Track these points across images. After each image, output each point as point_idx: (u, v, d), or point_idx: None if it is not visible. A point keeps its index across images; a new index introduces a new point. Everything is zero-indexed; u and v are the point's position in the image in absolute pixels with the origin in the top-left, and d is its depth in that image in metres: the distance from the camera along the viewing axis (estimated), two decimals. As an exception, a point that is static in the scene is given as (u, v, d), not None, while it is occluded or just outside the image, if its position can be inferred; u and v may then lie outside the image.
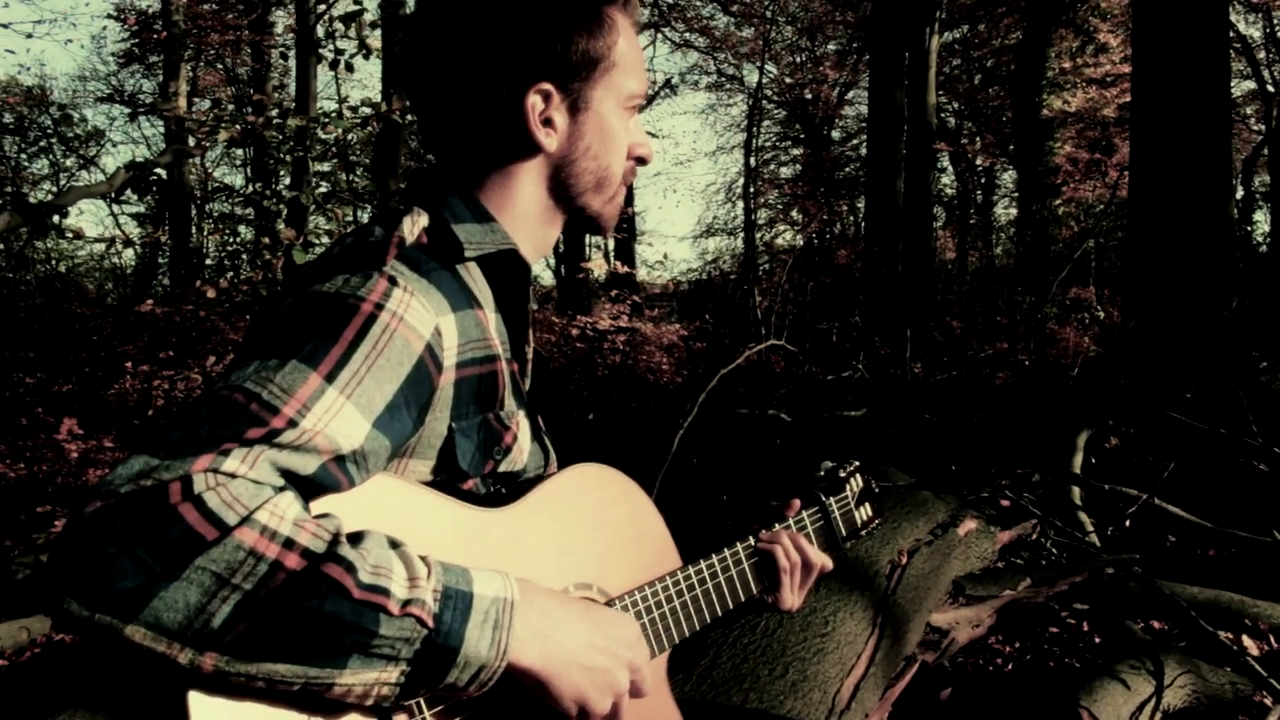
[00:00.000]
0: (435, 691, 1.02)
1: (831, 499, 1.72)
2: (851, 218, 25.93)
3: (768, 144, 26.76)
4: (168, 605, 0.86)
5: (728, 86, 26.44)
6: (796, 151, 27.29)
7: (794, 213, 26.03)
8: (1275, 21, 19.10)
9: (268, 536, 0.91)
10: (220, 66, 22.77)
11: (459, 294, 1.22)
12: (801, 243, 22.62)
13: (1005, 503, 4.34)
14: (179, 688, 0.92)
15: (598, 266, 14.22)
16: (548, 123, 1.30)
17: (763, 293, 12.84)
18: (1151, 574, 3.77)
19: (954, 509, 3.33)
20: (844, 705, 2.20)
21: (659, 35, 22.72)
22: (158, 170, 4.78)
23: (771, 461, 6.32)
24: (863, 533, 1.79)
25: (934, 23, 14.89)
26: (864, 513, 1.80)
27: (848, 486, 1.77)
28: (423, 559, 1.02)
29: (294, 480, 0.99)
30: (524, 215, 1.35)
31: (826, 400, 8.16)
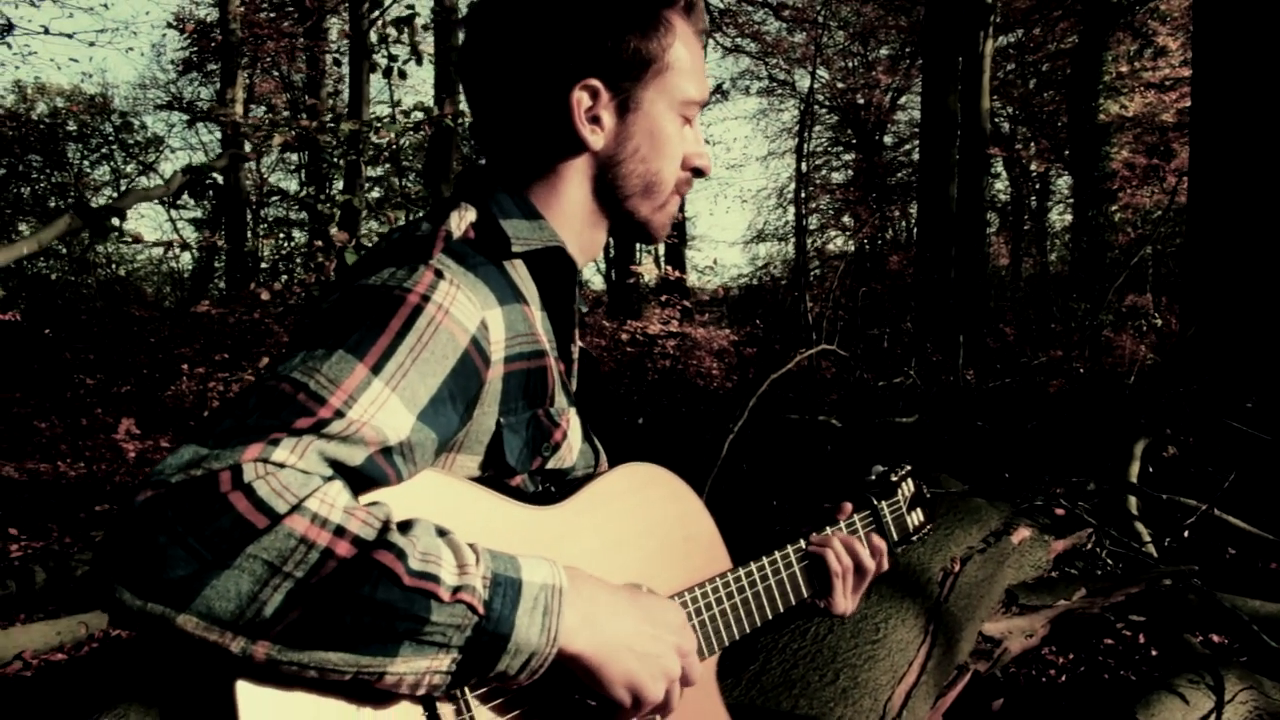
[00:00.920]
0: (486, 681, 1.02)
1: (883, 502, 1.70)
2: (903, 223, 25.74)
3: (819, 149, 26.64)
4: (220, 594, 0.86)
5: (779, 92, 26.40)
6: (848, 157, 27.15)
7: (845, 218, 25.88)
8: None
9: (318, 524, 0.91)
10: (276, 74, 23.12)
11: (505, 289, 1.21)
12: (853, 248, 22.49)
13: (1060, 511, 4.28)
14: (227, 679, 0.92)
15: (648, 271, 14.22)
16: (595, 120, 1.29)
17: (814, 298, 12.79)
18: (1211, 586, 3.69)
19: (1007, 517, 3.28)
20: (895, 713, 2.17)
21: (710, 40, 22.68)
22: (214, 174, 4.84)
23: (822, 468, 6.27)
24: (914, 537, 1.77)
25: (988, 27, 14.72)
26: (916, 517, 1.78)
27: (899, 491, 1.75)
28: (471, 546, 1.01)
29: (342, 471, 0.99)
30: (570, 215, 1.34)
31: (878, 406, 8.09)
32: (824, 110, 25.85)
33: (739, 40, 23.22)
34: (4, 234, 18.06)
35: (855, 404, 8.45)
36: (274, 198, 21.49)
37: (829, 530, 1.60)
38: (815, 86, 23.23)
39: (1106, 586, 3.41)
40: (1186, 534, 4.39)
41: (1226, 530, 4.42)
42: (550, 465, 1.28)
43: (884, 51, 25.12)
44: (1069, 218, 22.08)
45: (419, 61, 5.53)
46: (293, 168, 24.27)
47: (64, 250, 18.38)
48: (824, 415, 7.11)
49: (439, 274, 1.13)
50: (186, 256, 22.41)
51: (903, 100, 25.16)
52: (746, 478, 5.98)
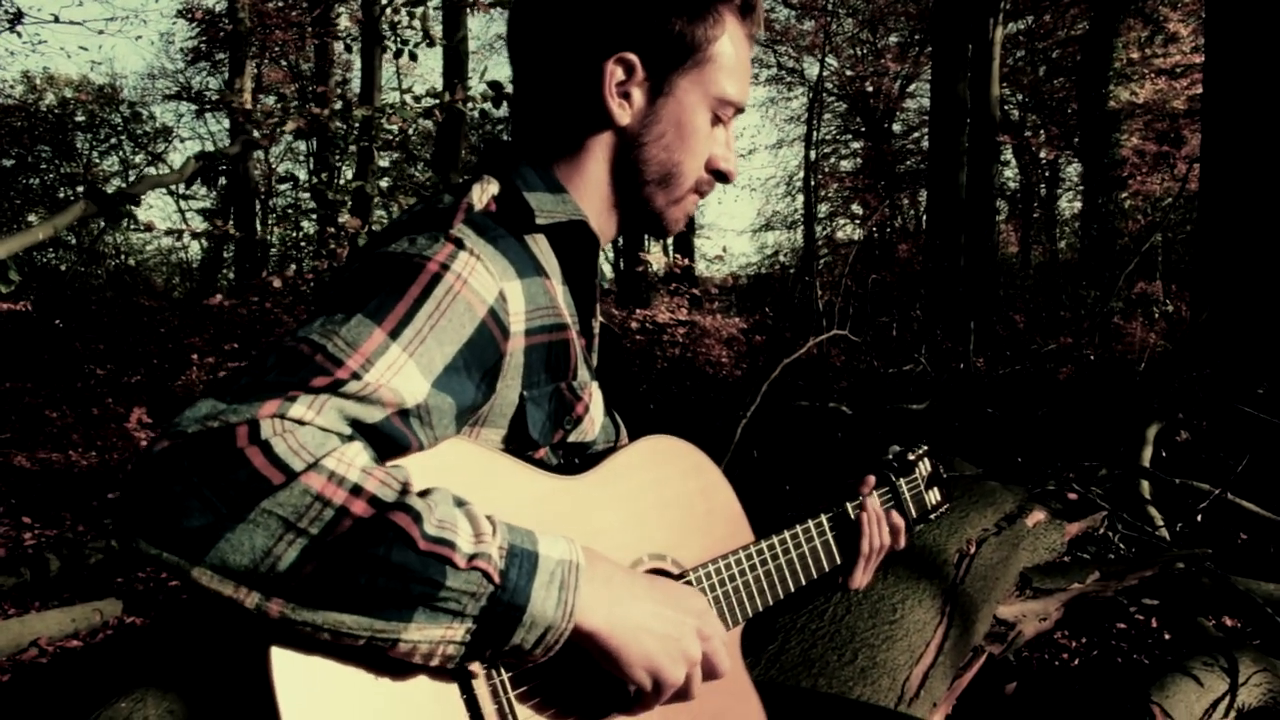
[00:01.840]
0: (501, 655, 1.01)
1: (901, 480, 1.71)
2: (912, 212, 25.67)
3: (828, 137, 26.57)
4: (234, 547, 0.87)
5: (788, 79, 26.32)
6: (857, 145, 27.05)
7: (854, 206, 25.83)
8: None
9: (335, 482, 0.90)
10: (284, 63, 23.10)
11: (526, 261, 1.21)
12: (862, 237, 22.43)
13: (1073, 496, 4.27)
14: (261, 645, 0.92)
15: (656, 260, 14.17)
16: (625, 96, 1.28)
17: (824, 286, 12.76)
18: (1224, 570, 3.68)
19: (1022, 500, 3.28)
20: (913, 693, 2.18)
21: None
22: (225, 161, 4.85)
23: (832, 454, 6.27)
24: (932, 516, 1.77)
25: (998, 13, 14.65)
26: (933, 496, 1.78)
27: (917, 469, 1.75)
28: (488, 518, 1.01)
29: (362, 431, 0.99)
30: (591, 194, 1.33)
31: (888, 393, 8.09)
32: (833, 98, 25.78)
33: (748, 28, 23.11)
34: (14, 224, 18.11)
35: (865, 391, 8.44)
36: (283, 186, 21.52)
37: (861, 499, 1.61)
38: (824, 74, 23.16)
39: (1120, 570, 3.41)
40: (1199, 518, 4.39)
41: (1239, 514, 4.42)
42: (572, 439, 1.27)
43: (893, 39, 25.04)
44: (1079, 205, 22.00)
45: (431, 44, 5.52)
46: (301, 158, 24.30)
47: (74, 241, 18.44)
48: (834, 402, 7.10)
49: (459, 244, 1.12)
50: (195, 246, 22.51)
51: (912, 88, 25.08)
52: (758, 464, 5.99)
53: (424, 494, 0.98)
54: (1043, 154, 22.49)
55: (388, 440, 1.01)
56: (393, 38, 5.63)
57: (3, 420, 9.92)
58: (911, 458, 1.76)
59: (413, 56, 5.63)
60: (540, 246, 1.27)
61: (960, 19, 14.56)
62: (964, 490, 3.11)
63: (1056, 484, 4.32)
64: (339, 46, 20.46)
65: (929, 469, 1.79)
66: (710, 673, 1.19)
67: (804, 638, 2.16)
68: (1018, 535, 3.07)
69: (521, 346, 1.18)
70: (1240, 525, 4.54)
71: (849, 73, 25.25)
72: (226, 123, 22.87)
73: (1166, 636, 3.70)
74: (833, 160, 27.15)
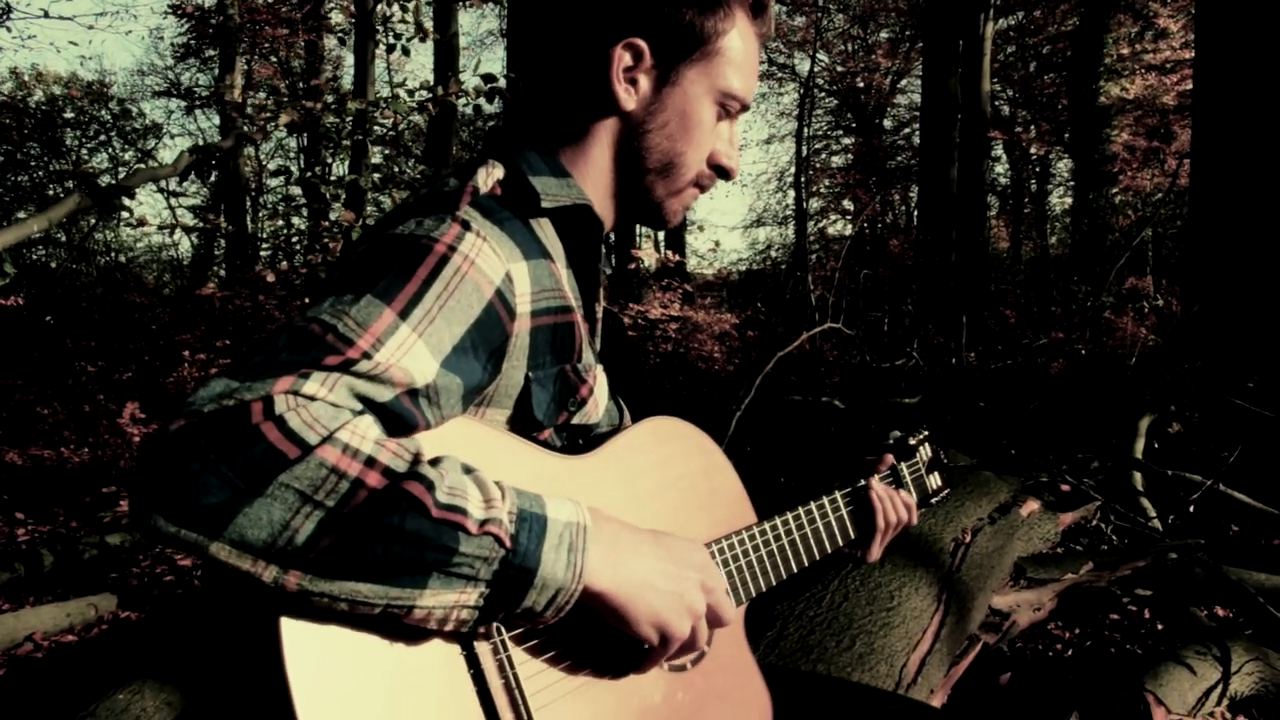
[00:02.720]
0: (513, 617, 1.02)
1: (903, 464, 1.72)
2: (903, 207, 25.73)
3: (819, 133, 26.57)
4: (252, 522, 0.87)
5: (779, 75, 26.32)
6: (848, 140, 27.09)
7: (846, 202, 25.85)
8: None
9: (349, 455, 0.91)
10: (274, 60, 23.04)
11: (531, 243, 1.21)
12: (853, 232, 22.45)
13: (1066, 487, 4.29)
14: (270, 616, 0.93)
15: (648, 255, 14.17)
16: (632, 82, 1.29)
17: (816, 281, 12.79)
18: (1217, 560, 3.70)
19: (1016, 490, 3.30)
20: (910, 679, 2.19)
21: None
22: (218, 154, 4.84)
23: (825, 448, 6.29)
24: (933, 500, 1.79)
25: (989, 9, 14.69)
26: (934, 481, 1.79)
27: (918, 454, 1.77)
28: (497, 483, 1.02)
29: (371, 408, 1.00)
30: (594, 180, 1.34)
31: (880, 388, 8.11)
32: (824, 94, 25.80)
33: (738, 23, 23.10)
34: (4, 221, 18.03)
35: (858, 386, 8.46)
36: (275, 182, 21.47)
37: (876, 477, 1.64)
38: (815, 70, 23.17)
39: (1113, 560, 3.43)
40: (1192, 509, 4.41)
41: (1231, 505, 4.44)
42: (576, 421, 1.28)
43: (884, 35, 25.07)
44: (1069, 200, 22.05)
45: (423, 38, 5.52)
46: (292, 154, 24.23)
47: (64, 238, 18.38)
48: (827, 397, 7.12)
49: (465, 225, 1.13)
50: (186, 244, 22.44)
51: (903, 83, 25.12)
52: (751, 458, 6.00)
53: (434, 462, 0.99)
54: (1033, 149, 22.51)
55: (397, 419, 1.02)
56: (385, 32, 5.64)
57: (-6, 418, 9.89)
58: (913, 442, 1.77)
59: (405, 51, 5.65)
60: (545, 230, 1.27)
61: (951, 15, 14.58)
62: (959, 480, 3.13)
63: (1049, 475, 4.34)
64: (330, 42, 20.41)
65: (929, 454, 1.80)
66: (715, 622, 1.20)
67: (802, 624, 2.17)
68: (1012, 525, 3.09)
69: (527, 328, 1.18)
70: (1232, 516, 4.56)
71: (840, 68, 25.29)
72: (217, 120, 22.80)
73: (1160, 627, 3.71)
74: (824, 156, 27.18)
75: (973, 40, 14.68)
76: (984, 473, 3.28)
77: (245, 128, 5.73)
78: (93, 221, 17.74)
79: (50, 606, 4.17)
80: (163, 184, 21.58)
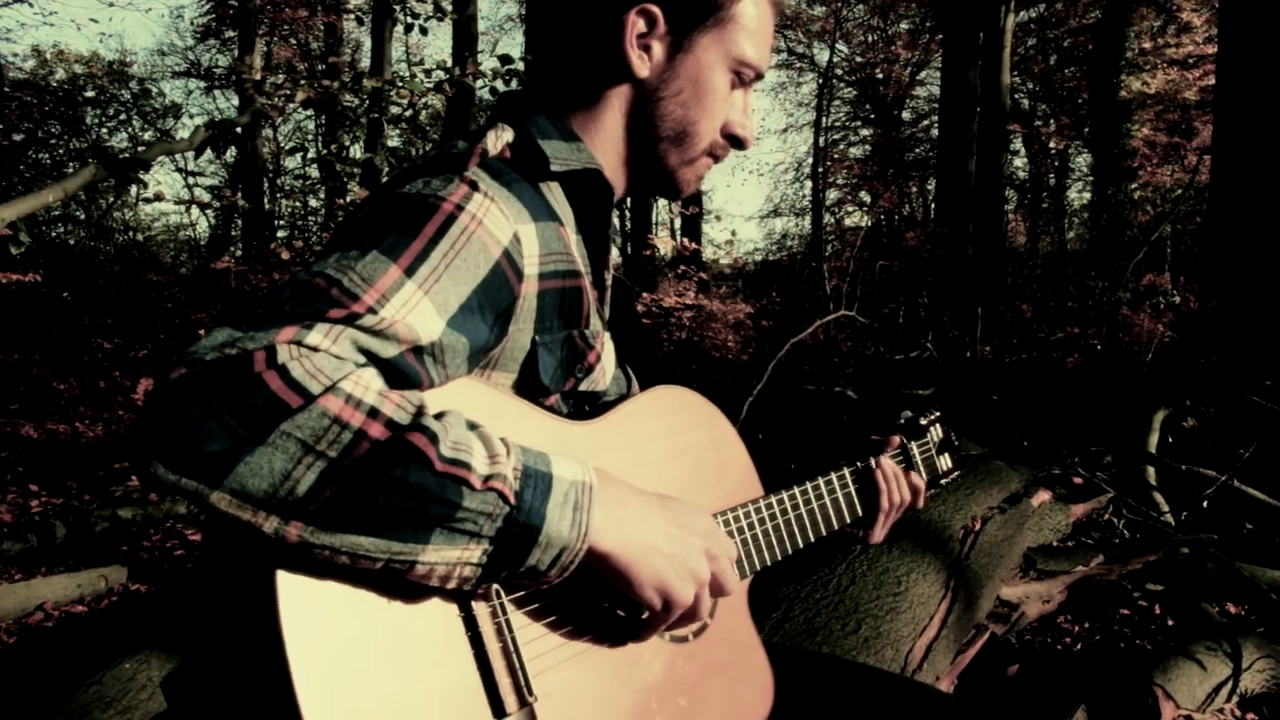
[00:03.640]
0: (516, 576, 1.01)
1: (913, 443, 1.70)
2: (920, 200, 25.64)
3: (837, 123, 26.51)
4: (253, 471, 0.86)
5: (798, 65, 26.24)
6: (866, 131, 27.00)
7: (863, 193, 25.77)
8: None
9: (352, 405, 0.90)
10: (294, 41, 23.07)
11: (540, 206, 1.20)
12: (869, 224, 22.40)
13: (1078, 480, 4.27)
14: (266, 569, 0.92)
15: (664, 244, 14.15)
16: (645, 49, 1.27)
17: (831, 272, 12.76)
18: (1229, 556, 3.68)
19: (1028, 480, 3.28)
20: (916, 665, 2.18)
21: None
22: (235, 130, 4.85)
23: (837, 438, 6.28)
24: (943, 481, 1.77)
25: (1010, 1, 14.60)
26: (945, 462, 1.78)
27: (929, 434, 1.75)
28: (502, 439, 1.01)
29: (375, 362, 0.99)
30: (605, 147, 1.33)
31: (894, 379, 8.09)
32: (843, 84, 25.72)
33: (758, 13, 23.01)
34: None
35: (872, 376, 8.44)
36: (293, 159, 21.53)
37: (883, 456, 1.62)
38: (834, 60, 23.10)
39: (1124, 554, 3.40)
40: (1205, 505, 4.38)
41: (1245, 502, 4.40)
42: (583, 387, 1.27)
43: (904, 26, 24.96)
44: (1088, 195, 21.95)
45: (441, 17, 5.51)
46: (310, 137, 24.29)
47: (83, 216, 18.46)
48: (840, 387, 7.10)
49: (474, 185, 1.12)
50: (203, 223, 22.53)
51: (922, 75, 25.02)
52: (763, 447, 5.99)
53: (439, 416, 0.98)
54: (1052, 143, 22.42)
55: (401, 376, 1.01)
56: (403, 11, 5.62)
57: (11, 391, 9.96)
58: (924, 422, 1.76)
59: (423, 31, 5.63)
60: (555, 194, 1.26)
61: (972, 6, 14.50)
62: (970, 468, 3.11)
63: (1062, 468, 4.32)
64: (349, 24, 20.43)
65: (941, 434, 1.79)
66: (718, 591, 1.19)
67: (808, 607, 2.16)
68: (1023, 515, 3.07)
69: (535, 290, 1.17)
70: (1246, 513, 4.53)
71: (859, 59, 25.19)
72: (235, 100, 22.85)
73: (1170, 622, 3.69)
74: (842, 147, 27.11)
75: (993, 33, 14.60)
76: (996, 462, 3.26)
77: (262, 105, 5.73)
78: (111, 199, 17.81)
79: (61, 577, 4.19)
80: (181, 162, 21.66)
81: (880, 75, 24.94)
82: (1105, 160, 16.99)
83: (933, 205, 20.86)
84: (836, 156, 26.23)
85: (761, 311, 14.26)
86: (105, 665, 2.13)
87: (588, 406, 1.29)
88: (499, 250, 1.11)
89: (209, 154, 4.71)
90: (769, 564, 1.40)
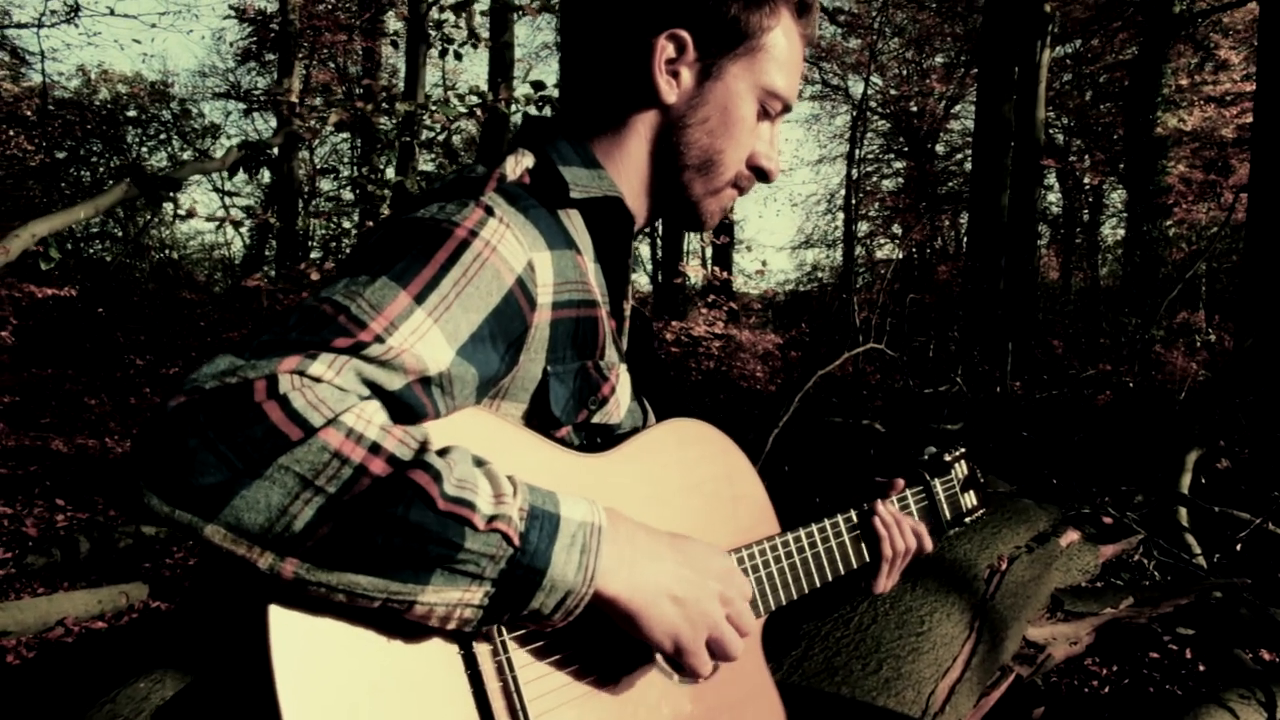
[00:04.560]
0: (519, 619, 0.98)
1: (936, 480, 1.67)
2: (952, 233, 25.52)
3: (871, 155, 26.46)
4: (249, 505, 0.84)
5: (833, 97, 26.25)
6: (899, 164, 26.95)
7: (895, 226, 25.70)
8: None
9: (353, 439, 0.88)
10: (333, 65, 23.33)
11: (557, 234, 1.18)
12: (901, 256, 22.31)
13: (1108, 520, 4.21)
14: (259, 604, 0.89)
15: (694, 272, 14.16)
16: (674, 75, 1.26)
17: (861, 304, 12.72)
18: (1263, 601, 3.61)
19: (1056, 519, 3.23)
20: (938, 707, 2.13)
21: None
22: (270, 151, 4.89)
23: (864, 471, 6.22)
24: (967, 519, 1.73)
25: (1045, 36, 14.55)
26: (969, 499, 1.74)
27: (953, 471, 1.72)
28: (509, 478, 0.98)
29: (380, 395, 0.97)
30: (629, 173, 1.31)
31: (922, 413, 8.03)
32: (877, 117, 25.69)
33: (793, 44, 23.09)
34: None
35: (900, 410, 8.38)
36: (328, 177, 21.72)
37: (882, 503, 1.56)
38: (869, 92, 23.10)
39: (1155, 596, 3.34)
40: (1238, 547, 4.30)
41: (1280, 546, 4.33)
42: (596, 420, 1.24)
43: (939, 59, 24.94)
44: (1121, 232, 21.79)
45: (475, 45, 5.55)
46: (345, 158, 24.52)
47: (120, 233, 18.69)
48: (868, 420, 7.06)
49: (489, 211, 1.10)
50: (238, 242, 22.75)
51: (956, 109, 24.94)
52: (788, 479, 5.95)
53: (443, 452, 0.95)
54: (1087, 179, 22.29)
55: (406, 408, 0.99)
56: (438, 37, 5.66)
57: (43, 405, 10.07)
58: (948, 459, 1.72)
59: (457, 56, 5.67)
60: (574, 222, 1.24)
61: (1007, 41, 14.46)
62: (997, 506, 3.06)
63: (1092, 507, 4.26)
64: (387, 49, 20.65)
65: (966, 471, 1.75)
66: (733, 635, 1.15)
67: (828, 645, 2.13)
68: (1050, 555, 3.02)
69: (548, 319, 1.15)
70: (1281, 557, 4.45)
71: (893, 92, 25.18)
72: (274, 122, 23.13)
73: (1201, 667, 3.63)
74: (874, 179, 27.05)
75: (1028, 67, 14.54)
76: (1023, 500, 3.21)
77: (299, 127, 5.78)
78: (149, 217, 18.02)
79: (83, 592, 4.21)
80: (217, 181, 21.89)
81: (914, 108, 24.90)
82: (1140, 196, 16.86)
83: (965, 239, 20.77)
84: (869, 189, 26.19)
85: (790, 342, 14.22)
86: (121, 684, 2.12)
87: (600, 439, 1.26)
88: (512, 278, 1.09)
89: (243, 174, 4.75)
90: (784, 603, 1.36)
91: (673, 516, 1.26)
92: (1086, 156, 22.13)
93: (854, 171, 22.24)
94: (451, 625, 0.95)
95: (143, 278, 18.03)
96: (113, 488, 6.53)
